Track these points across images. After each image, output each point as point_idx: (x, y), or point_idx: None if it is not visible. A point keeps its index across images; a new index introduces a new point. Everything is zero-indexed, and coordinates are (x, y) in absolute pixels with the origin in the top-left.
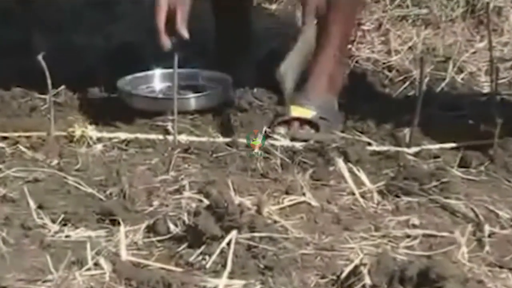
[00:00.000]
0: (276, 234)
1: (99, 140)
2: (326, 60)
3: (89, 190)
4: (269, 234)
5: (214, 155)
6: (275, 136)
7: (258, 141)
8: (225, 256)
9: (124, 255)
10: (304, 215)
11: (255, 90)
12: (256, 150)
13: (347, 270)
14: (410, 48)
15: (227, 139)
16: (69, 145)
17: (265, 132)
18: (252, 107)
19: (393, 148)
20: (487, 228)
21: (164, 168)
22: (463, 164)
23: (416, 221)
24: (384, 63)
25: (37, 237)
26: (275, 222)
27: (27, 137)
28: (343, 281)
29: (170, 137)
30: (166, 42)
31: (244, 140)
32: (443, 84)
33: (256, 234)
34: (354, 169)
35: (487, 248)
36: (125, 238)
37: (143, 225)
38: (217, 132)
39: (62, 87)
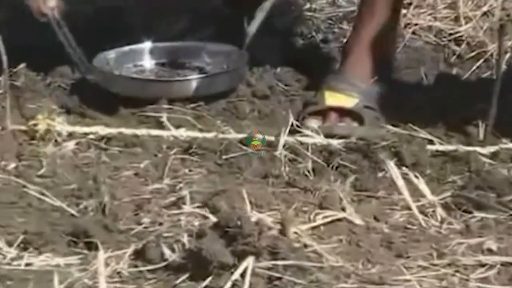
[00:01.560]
0: (307, 261)
1: (71, 136)
2: (370, 32)
3: (57, 203)
4: (297, 262)
5: (224, 157)
6: (305, 131)
7: (257, 141)
8: None
9: None
10: (343, 237)
11: (278, 69)
12: (254, 150)
13: None
14: (485, 14)
15: (241, 136)
16: (30, 143)
17: (292, 126)
18: (274, 92)
19: (462, 148)
20: None
21: (157, 173)
22: None
23: (492, 244)
24: (450, 34)
25: None
26: (305, 246)
27: None
28: None
29: (165, 133)
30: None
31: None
32: None
33: (279, 262)
34: (411, 175)
35: None
36: (105, 267)
37: (129, 250)
38: (228, 126)
39: (22, 65)
